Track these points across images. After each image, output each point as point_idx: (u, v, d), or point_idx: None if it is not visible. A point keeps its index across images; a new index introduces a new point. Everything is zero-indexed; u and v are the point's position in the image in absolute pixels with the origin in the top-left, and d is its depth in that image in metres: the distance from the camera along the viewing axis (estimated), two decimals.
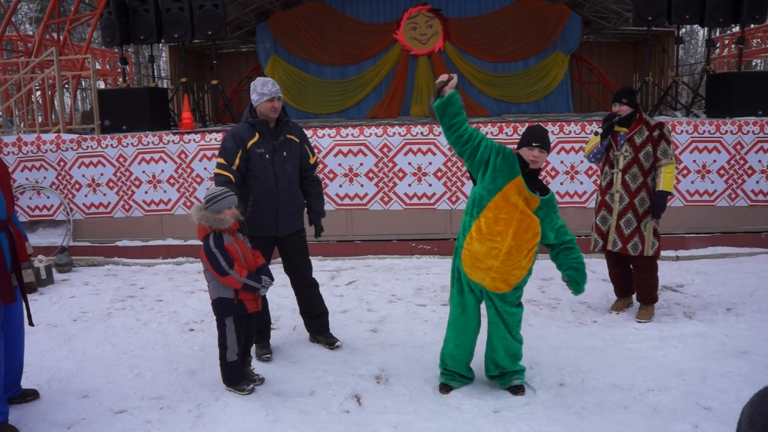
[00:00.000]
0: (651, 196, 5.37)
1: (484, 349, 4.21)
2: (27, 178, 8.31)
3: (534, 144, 3.84)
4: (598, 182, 5.71)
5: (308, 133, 7.42)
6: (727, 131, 7.73)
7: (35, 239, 8.20)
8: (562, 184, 7.90)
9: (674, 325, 5.30)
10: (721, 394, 4.02)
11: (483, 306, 4.15)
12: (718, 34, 14.44)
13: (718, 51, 14.72)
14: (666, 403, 3.93)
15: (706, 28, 10.37)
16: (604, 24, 13.80)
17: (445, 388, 4.17)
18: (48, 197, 8.36)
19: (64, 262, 7.64)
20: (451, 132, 3.86)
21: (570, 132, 7.81)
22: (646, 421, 3.73)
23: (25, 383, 4.27)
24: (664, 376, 4.28)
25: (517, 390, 4.11)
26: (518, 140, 3.98)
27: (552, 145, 7.75)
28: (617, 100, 5.41)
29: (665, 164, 5.29)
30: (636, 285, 5.59)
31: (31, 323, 4.12)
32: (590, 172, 7.85)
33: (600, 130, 5.45)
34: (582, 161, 7.80)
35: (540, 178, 4.03)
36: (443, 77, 3.85)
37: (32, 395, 4.19)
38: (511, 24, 13.61)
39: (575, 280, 4.01)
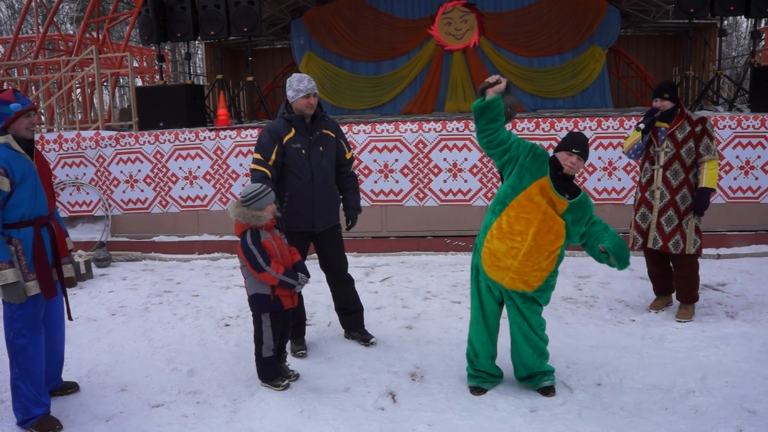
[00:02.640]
0: (693, 193, 5.25)
1: (509, 353, 4.16)
2: (67, 175, 8.47)
3: (574, 150, 3.78)
4: (638, 179, 5.61)
5: (343, 129, 7.43)
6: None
7: (75, 234, 8.36)
8: (599, 180, 7.77)
9: (716, 325, 5.17)
10: (766, 396, 3.91)
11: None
12: (763, 25, 14.04)
13: (763, 43, 14.32)
14: (708, 405, 3.84)
15: (750, 20, 10.09)
16: (642, 17, 13.53)
17: (477, 391, 4.12)
18: (87, 193, 8.51)
19: (102, 257, 7.77)
20: (482, 136, 3.85)
21: (608, 127, 7.68)
22: (687, 424, 3.64)
23: (66, 376, 4.35)
24: (706, 378, 4.18)
25: (548, 391, 4.05)
26: (554, 136, 3.92)
27: (590, 140, 7.69)
28: (659, 95, 5.29)
29: (708, 160, 5.16)
30: (676, 283, 5.47)
31: (69, 317, 4.18)
32: (628, 169, 7.70)
33: (642, 126, 5.30)
34: (620, 157, 7.66)
35: (575, 182, 3.94)
36: (492, 78, 3.81)
37: (72, 388, 4.27)
38: (547, 18, 13.41)
39: (615, 252, 3.76)
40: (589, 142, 3.96)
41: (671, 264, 5.51)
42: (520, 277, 3.81)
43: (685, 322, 5.25)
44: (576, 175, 3.95)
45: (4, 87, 11.53)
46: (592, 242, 3.88)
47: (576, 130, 7.55)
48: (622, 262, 3.79)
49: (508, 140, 3.83)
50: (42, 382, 3.81)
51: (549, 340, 4.12)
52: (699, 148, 5.18)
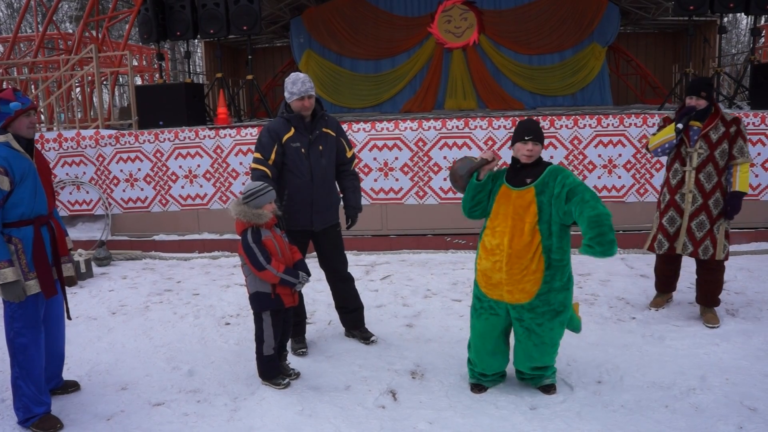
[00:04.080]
0: (724, 197, 5.03)
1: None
2: (67, 174, 8.47)
3: (527, 137, 3.78)
4: (667, 179, 5.27)
5: (343, 127, 7.42)
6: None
7: (75, 233, 8.37)
8: (599, 178, 7.77)
9: (674, 292, 5.22)
10: (767, 394, 3.91)
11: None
12: (763, 22, 14.02)
13: (762, 40, 14.30)
14: (708, 402, 3.84)
15: (750, 17, 10.08)
16: (642, 15, 13.52)
17: (477, 388, 4.11)
18: (87, 192, 8.51)
19: (102, 256, 7.77)
20: (467, 208, 3.98)
21: (608, 125, 7.68)
22: (687, 421, 3.64)
23: (67, 375, 4.36)
24: (706, 375, 4.18)
25: (549, 389, 4.05)
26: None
27: (590, 138, 7.69)
28: (694, 93, 4.98)
29: (741, 163, 4.93)
30: (700, 287, 5.26)
31: (68, 317, 4.18)
32: (628, 166, 7.70)
33: (681, 126, 4.97)
34: (620, 155, 7.67)
35: (544, 162, 3.86)
36: (487, 155, 3.90)
37: (73, 387, 4.27)
38: (547, 16, 13.41)
39: (593, 252, 3.51)
40: (541, 125, 3.93)
41: (697, 268, 5.27)
42: (515, 288, 3.77)
43: (715, 327, 5.04)
44: (539, 157, 3.84)
45: (4, 86, 11.53)
46: (579, 223, 3.61)
47: (523, 118, 7.46)
48: (606, 249, 3.48)
49: (488, 200, 3.94)
50: (42, 381, 3.81)
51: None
52: (732, 150, 4.95)
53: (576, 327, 4.03)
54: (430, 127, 7.88)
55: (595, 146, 7.70)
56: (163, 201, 8.43)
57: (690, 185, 5.06)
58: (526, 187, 3.77)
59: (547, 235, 3.73)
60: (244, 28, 9.43)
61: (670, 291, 5.60)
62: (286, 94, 4.58)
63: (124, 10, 13.89)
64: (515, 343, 4.01)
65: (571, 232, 3.86)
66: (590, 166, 7.75)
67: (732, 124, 4.98)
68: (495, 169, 3.94)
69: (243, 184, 7.56)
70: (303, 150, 4.58)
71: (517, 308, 3.82)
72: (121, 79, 16.41)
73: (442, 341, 4.97)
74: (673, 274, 5.48)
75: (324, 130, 4.71)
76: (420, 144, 7.90)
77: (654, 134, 5.27)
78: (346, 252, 5.06)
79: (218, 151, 8.20)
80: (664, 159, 5.78)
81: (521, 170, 3.84)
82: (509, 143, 3.91)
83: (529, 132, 3.79)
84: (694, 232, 5.09)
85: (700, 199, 5.05)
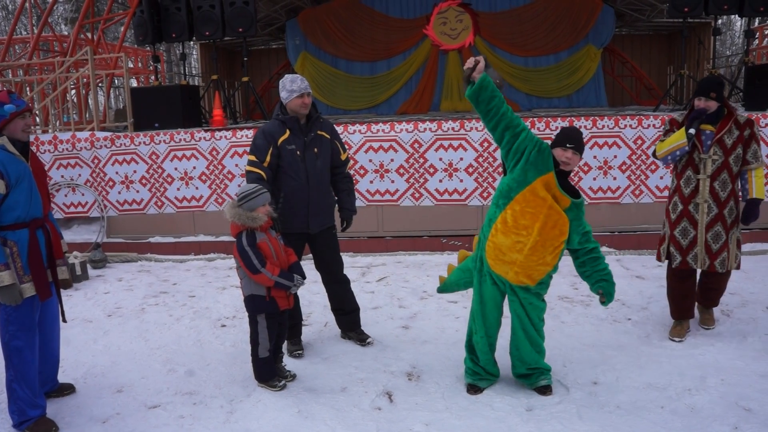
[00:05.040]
0: (737, 204, 4.74)
1: (508, 347, 4.18)
2: (62, 176, 8.45)
3: (568, 145, 3.74)
4: (678, 187, 4.85)
5: (339, 129, 7.43)
6: (766, 124, 7.53)
7: (70, 236, 8.35)
8: (595, 179, 7.79)
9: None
10: (762, 394, 3.92)
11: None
12: (756, 24, 14.07)
13: (756, 42, 14.36)
14: (704, 403, 3.85)
15: (744, 19, 10.12)
16: (637, 16, 13.56)
17: (473, 389, 4.12)
18: (83, 194, 8.50)
19: (98, 258, 7.76)
20: (488, 118, 3.77)
21: (603, 126, 7.69)
22: (683, 422, 3.65)
23: (62, 377, 4.35)
24: (702, 376, 4.19)
25: (545, 390, 4.06)
26: (549, 136, 3.92)
27: (585, 140, 7.69)
28: (704, 94, 4.61)
29: (755, 168, 4.65)
30: (704, 292, 5.04)
31: (63, 320, 4.18)
32: (623, 167, 7.72)
33: (693, 131, 4.62)
34: (615, 156, 7.69)
35: (570, 181, 3.93)
36: (470, 62, 3.74)
37: (69, 389, 4.26)
38: (542, 18, 13.44)
39: (608, 292, 3.93)
40: (583, 136, 3.92)
41: (703, 276, 5.02)
42: (524, 272, 3.80)
43: (711, 329, 4.99)
44: (571, 172, 3.94)
45: None
46: (588, 266, 3.94)
47: (569, 126, 7.52)
48: (609, 300, 3.95)
49: (518, 124, 3.78)
50: (36, 384, 3.80)
51: (545, 338, 4.14)
52: (746, 155, 4.64)
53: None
54: (425, 129, 7.89)
55: (591, 148, 7.71)
56: (159, 203, 8.42)
57: (705, 195, 4.70)
58: (565, 195, 3.75)
59: (567, 240, 3.84)
60: (240, 30, 9.44)
61: (688, 317, 5.03)
62: (283, 94, 4.57)
63: (119, 12, 13.87)
64: (510, 339, 4.09)
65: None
66: (585, 168, 7.77)
67: (746, 127, 4.65)
68: (482, 68, 3.75)
69: (239, 186, 7.56)
70: (298, 152, 4.58)
71: (516, 288, 3.90)
72: (116, 81, 16.38)
73: (438, 343, 4.97)
74: (688, 294, 4.98)
75: (319, 132, 4.71)
76: (416, 146, 7.91)
77: (662, 140, 4.86)
78: (342, 254, 5.06)
79: (214, 153, 8.19)
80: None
81: (560, 175, 3.77)
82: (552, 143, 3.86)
83: (571, 140, 3.75)
84: (710, 245, 4.73)
85: (715, 208, 4.70)
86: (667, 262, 4.97)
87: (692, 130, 4.61)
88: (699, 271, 4.99)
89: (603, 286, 3.92)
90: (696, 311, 5.20)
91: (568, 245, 3.90)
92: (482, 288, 4.02)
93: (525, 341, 4.03)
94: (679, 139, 4.67)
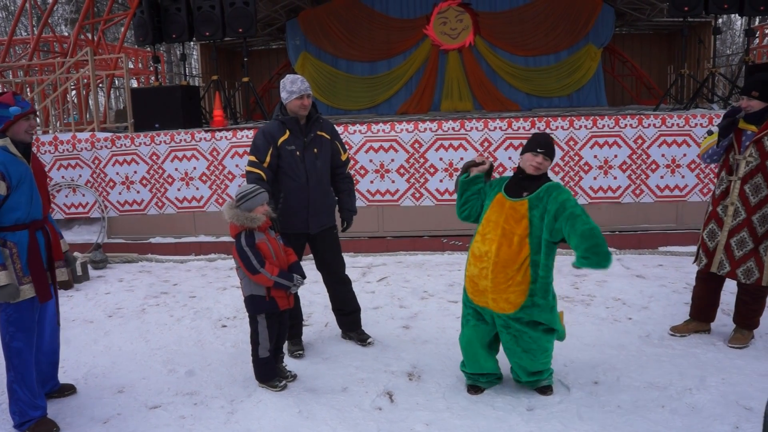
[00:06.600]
0: None
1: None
2: (63, 177, 8.45)
3: (539, 150, 3.77)
4: (713, 190, 4.78)
5: (339, 129, 7.42)
6: None
7: (71, 236, 8.35)
8: (595, 178, 7.79)
9: (712, 323, 5.17)
10: (763, 394, 3.91)
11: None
12: (757, 23, 14.07)
13: (757, 41, 14.36)
14: (705, 402, 3.84)
15: (744, 18, 10.12)
16: (637, 15, 13.57)
17: (474, 390, 4.11)
18: (83, 195, 8.50)
19: (99, 259, 7.76)
20: (457, 206, 4.05)
21: (603, 126, 7.69)
22: (683, 421, 3.65)
23: (63, 378, 4.35)
24: (703, 375, 4.18)
25: (546, 390, 4.05)
26: (550, 136, 3.91)
27: (585, 139, 7.71)
28: (746, 93, 4.38)
29: None
30: (739, 308, 4.71)
31: (58, 323, 4.16)
32: (624, 167, 7.72)
33: (715, 129, 4.48)
34: (616, 156, 7.68)
35: (548, 179, 3.86)
36: (477, 158, 4.03)
37: (69, 390, 4.26)
38: (542, 17, 13.46)
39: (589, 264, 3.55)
40: (554, 141, 3.92)
41: (738, 288, 4.71)
42: (499, 297, 3.76)
43: (738, 348, 4.61)
44: (546, 173, 3.87)
45: None
46: (569, 239, 3.63)
47: (540, 131, 7.49)
48: (601, 259, 3.51)
49: (479, 192, 4.00)
50: (35, 384, 3.80)
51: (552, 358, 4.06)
52: None
53: (561, 336, 4.00)
54: (426, 129, 7.89)
55: (591, 147, 7.71)
56: (160, 203, 8.42)
57: (733, 197, 4.48)
58: (521, 199, 3.77)
59: (536, 250, 3.74)
60: (240, 30, 9.45)
61: (703, 320, 4.91)
62: (283, 95, 4.57)
63: (119, 13, 13.86)
64: (507, 354, 4.03)
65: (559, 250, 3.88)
66: (586, 167, 7.77)
67: None
68: (484, 169, 4.00)
69: (239, 186, 7.57)
70: (298, 153, 4.58)
71: (503, 317, 3.84)
72: (116, 81, 16.39)
73: (439, 343, 4.97)
74: (711, 301, 4.83)
75: (319, 133, 4.71)
76: (416, 146, 7.91)
77: (704, 138, 4.74)
78: (343, 254, 5.06)
79: (214, 153, 8.20)
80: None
81: (521, 181, 3.84)
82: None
83: (542, 145, 3.78)
84: (733, 250, 4.51)
85: (743, 213, 4.45)
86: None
87: (714, 127, 4.48)
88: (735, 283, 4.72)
89: (575, 262, 3.59)
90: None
91: (551, 238, 3.71)
92: (468, 327, 4.01)
93: (523, 355, 3.92)
94: (711, 138, 4.59)
